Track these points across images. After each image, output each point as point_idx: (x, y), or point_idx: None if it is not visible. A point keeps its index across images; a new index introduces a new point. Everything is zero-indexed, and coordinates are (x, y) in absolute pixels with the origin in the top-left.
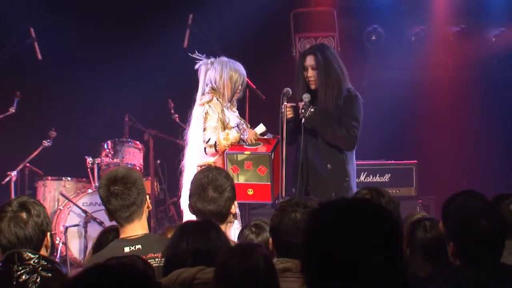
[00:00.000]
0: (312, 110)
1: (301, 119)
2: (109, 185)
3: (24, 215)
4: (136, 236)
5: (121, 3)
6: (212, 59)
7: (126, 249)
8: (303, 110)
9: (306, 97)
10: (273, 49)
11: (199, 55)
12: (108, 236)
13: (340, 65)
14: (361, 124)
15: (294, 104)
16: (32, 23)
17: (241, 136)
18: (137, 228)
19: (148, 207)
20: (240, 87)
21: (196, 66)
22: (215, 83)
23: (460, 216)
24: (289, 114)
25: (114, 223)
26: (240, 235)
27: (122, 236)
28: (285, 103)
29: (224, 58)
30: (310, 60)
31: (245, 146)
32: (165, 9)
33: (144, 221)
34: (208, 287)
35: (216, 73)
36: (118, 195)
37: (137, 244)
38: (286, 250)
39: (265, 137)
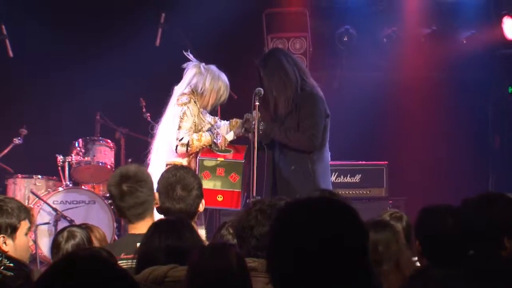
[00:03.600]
0: (261, 126)
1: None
2: (121, 182)
3: None
4: None
5: (93, 1)
6: (204, 64)
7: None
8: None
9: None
10: (245, 48)
11: (189, 54)
12: (63, 234)
13: (286, 67)
14: (320, 119)
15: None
16: (3, 20)
17: (214, 140)
18: (147, 225)
19: (156, 203)
20: (222, 100)
21: (185, 66)
22: (201, 88)
23: (425, 214)
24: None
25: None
26: (216, 235)
27: (133, 231)
28: (256, 103)
29: (215, 68)
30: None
31: (216, 152)
32: (137, 8)
33: (153, 218)
34: (179, 285)
35: (206, 80)
36: (131, 192)
37: None
38: (250, 251)
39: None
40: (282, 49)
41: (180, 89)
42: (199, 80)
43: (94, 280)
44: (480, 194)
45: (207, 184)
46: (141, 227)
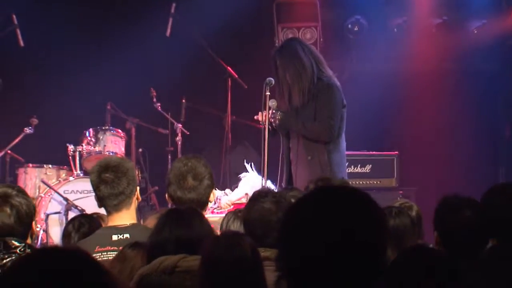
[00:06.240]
0: (279, 116)
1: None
2: (100, 172)
3: (7, 209)
4: (125, 225)
5: None
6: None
7: (114, 237)
8: (272, 119)
9: (272, 104)
10: (255, 38)
11: (248, 165)
12: (74, 223)
13: (302, 58)
14: (337, 109)
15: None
16: (14, 9)
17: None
18: (125, 217)
19: (137, 198)
20: None
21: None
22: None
23: (444, 205)
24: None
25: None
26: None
27: (110, 224)
28: (267, 93)
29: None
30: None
31: (215, 210)
32: None
33: (133, 211)
34: (189, 274)
35: None
36: (108, 182)
37: (126, 233)
38: (256, 240)
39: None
40: (299, 38)
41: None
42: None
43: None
44: (500, 185)
45: None
46: (117, 219)
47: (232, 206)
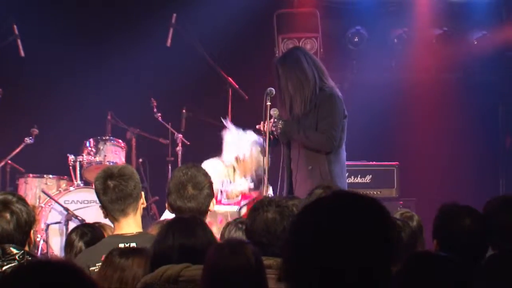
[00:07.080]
0: (281, 124)
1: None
2: (106, 178)
3: (7, 215)
4: (132, 234)
5: (104, 1)
6: (241, 132)
7: (121, 246)
8: (274, 127)
9: (274, 112)
10: (256, 49)
11: (225, 120)
12: (77, 232)
13: (304, 67)
14: (339, 120)
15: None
16: (15, 20)
17: (221, 189)
18: (132, 224)
19: (142, 203)
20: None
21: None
22: (243, 156)
23: (444, 213)
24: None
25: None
26: (223, 232)
27: (117, 232)
28: (268, 103)
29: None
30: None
31: (222, 201)
32: (148, 8)
33: (139, 218)
34: (193, 284)
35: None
36: (115, 186)
37: (132, 242)
38: (259, 249)
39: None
40: (302, 48)
41: (230, 155)
42: (244, 147)
43: None
44: (502, 195)
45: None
46: (125, 226)
47: (240, 197)
